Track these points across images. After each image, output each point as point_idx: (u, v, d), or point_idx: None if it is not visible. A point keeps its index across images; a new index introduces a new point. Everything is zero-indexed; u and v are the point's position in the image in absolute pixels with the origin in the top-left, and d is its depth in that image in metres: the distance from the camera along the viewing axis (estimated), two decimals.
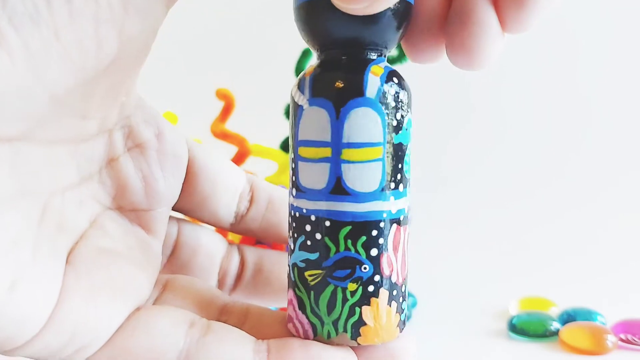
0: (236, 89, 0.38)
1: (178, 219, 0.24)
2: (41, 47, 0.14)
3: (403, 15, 0.18)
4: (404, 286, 0.20)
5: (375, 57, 0.19)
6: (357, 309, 0.19)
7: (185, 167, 0.22)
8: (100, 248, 0.19)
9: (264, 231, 0.24)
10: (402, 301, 0.20)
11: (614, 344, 0.34)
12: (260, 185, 0.24)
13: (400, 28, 0.19)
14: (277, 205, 0.24)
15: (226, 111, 0.38)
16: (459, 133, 0.69)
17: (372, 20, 0.18)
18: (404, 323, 0.20)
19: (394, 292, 0.19)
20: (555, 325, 0.37)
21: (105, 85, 0.17)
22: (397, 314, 0.19)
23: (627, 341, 0.35)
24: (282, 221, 0.24)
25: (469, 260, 0.53)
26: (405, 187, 0.19)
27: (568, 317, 0.38)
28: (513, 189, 0.64)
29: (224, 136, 0.38)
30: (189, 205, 0.23)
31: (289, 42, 0.40)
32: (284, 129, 0.39)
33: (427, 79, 0.45)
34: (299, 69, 0.38)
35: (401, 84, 0.19)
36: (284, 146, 0.39)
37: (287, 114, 0.39)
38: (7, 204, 0.16)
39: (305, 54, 0.38)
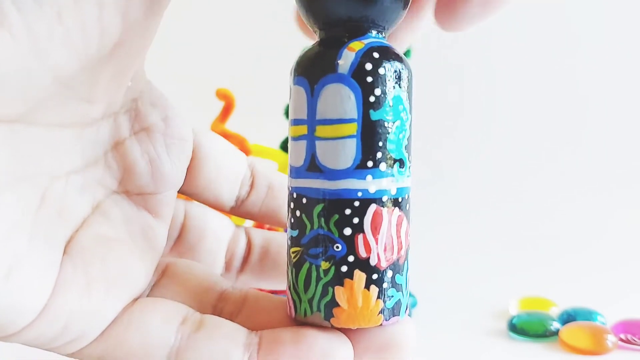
0: (236, 89, 0.38)
1: (185, 201, 0.24)
2: (44, 29, 0.14)
3: None
4: (392, 273, 0.19)
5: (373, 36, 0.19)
6: (330, 288, 0.19)
7: (191, 151, 0.22)
8: (100, 236, 0.19)
9: (263, 216, 0.24)
10: (389, 288, 0.19)
11: (614, 344, 0.34)
12: (261, 171, 0.24)
13: (402, 7, 0.19)
14: (277, 190, 0.24)
15: (226, 111, 0.38)
16: (458, 131, 0.69)
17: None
18: (392, 313, 0.19)
19: (374, 276, 0.19)
20: (555, 325, 0.37)
21: (110, 69, 0.17)
22: (379, 300, 0.19)
23: (627, 341, 0.35)
24: (282, 206, 0.24)
25: (469, 260, 0.53)
26: (390, 166, 0.18)
27: (568, 317, 0.38)
28: (513, 189, 0.64)
29: (224, 136, 0.38)
30: (192, 188, 0.23)
31: (289, 42, 0.40)
32: (284, 129, 0.39)
33: (427, 73, 0.45)
34: None
35: (383, 59, 0.18)
36: (284, 146, 0.40)
37: (287, 114, 0.39)
38: (5, 187, 0.15)
39: None
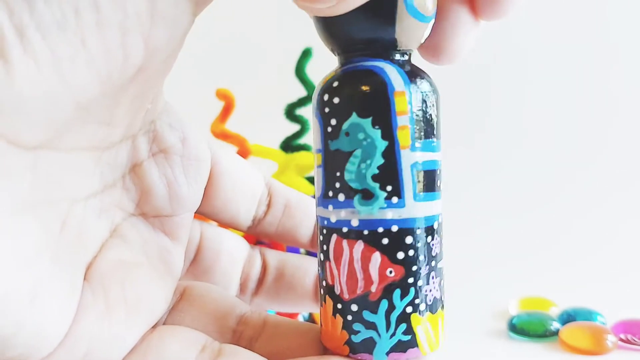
0: (236, 89, 0.38)
1: (201, 222, 0.24)
2: (68, 54, 0.14)
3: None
4: (357, 307, 0.18)
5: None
6: (320, 307, 0.20)
7: (208, 171, 0.22)
8: (119, 261, 0.19)
9: (280, 235, 0.24)
10: (354, 322, 0.18)
11: (614, 344, 0.34)
12: (278, 189, 0.24)
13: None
14: (294, 209, 0.24)
15: (226, 111, 0.37)
16: (454, 132, 0.69)
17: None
18: (363, 349, 0.18)
19: (338, 306, 0.18)
20: (555, 325, 0.37)
21: (131, 93, 0.17)
22: (344, 330, 0.18)
23: (627, 341, 0.35)
24: (298, 225, 0.24)
25: (469, 260, 0.52)
26: (349, 197, 0.18)
27: (568, 317, 0.38)
28: (513, 189, 0.64)
29: (224, 136, 0.38)
30: (209, 209, 0.23)
31: (289, 42, 0.40)
32: (284, 129, 0.39)
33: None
34: (299, 69, 0.38)
35: (341, 87, 0.18)
36: (284, 146, 0.40)
37: (287, 114, 0.39)
38: (29, 213, 0.15)
39: (306, 54, 0.38)
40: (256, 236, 0.24)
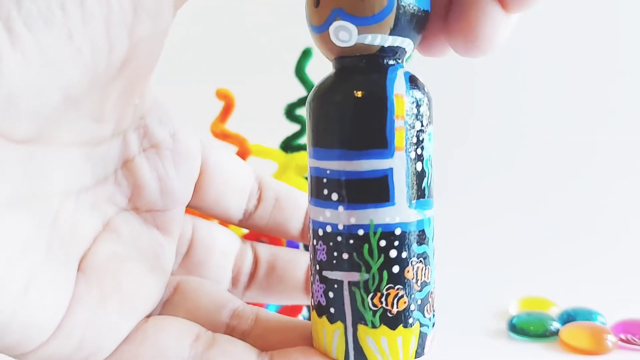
0: (236, 89, 0.38)
1: (192, 217, 0.24)
2: (54, 48, 0.14)
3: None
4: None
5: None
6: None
7: (199, 166, 0.22)
8: (112, 253, 0.19)
9: (271, 228, 0.24)
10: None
11: (614, 344, 0.34)
12: (268, 183, 0.24)
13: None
14: (284, 203, 0.24)
15: (226, 111, 0.38)
16: (456, 132, 0.69)
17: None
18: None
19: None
20: (555, 325, 0.37)
21: (118, 87, 0.17)
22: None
23: (627, 341, 0.35)
24: (288, 219, 0.24)
25: (469, 260, 0.52)
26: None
27: (568, 317, 0.38)
28: (513, 189, 0.64)
29: (224, 136, 0.38)
30: (200, 202, 0.23)
31: (289, 43, 0.40)
32: (284, 129, 0.39)
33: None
34: (299, 69, 0.38)
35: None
36: (284, 146, 0.40)
37: (287, 114, 0.39)
38: (20, 206, 0.16)
39: (306, 54, 0.38)
40: (248, 229, 0.25)
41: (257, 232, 0.25)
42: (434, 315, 0.19)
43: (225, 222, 0.24)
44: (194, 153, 0.22)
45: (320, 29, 0.18)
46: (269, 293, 0.24)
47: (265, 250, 0.25)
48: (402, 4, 0.17)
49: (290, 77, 0.38)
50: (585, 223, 0.59)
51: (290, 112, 0.39)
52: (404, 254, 0.18)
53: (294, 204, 0.24)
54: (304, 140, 0.39)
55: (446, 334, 0.38)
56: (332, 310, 0.19)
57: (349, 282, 0.18)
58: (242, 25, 0.67)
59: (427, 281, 0.19)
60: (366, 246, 0.18)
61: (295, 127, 0.39)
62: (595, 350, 0.34)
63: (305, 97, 0.38)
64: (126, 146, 0.20)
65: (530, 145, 0.67)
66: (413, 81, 0.18)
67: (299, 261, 0.24)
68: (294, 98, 0.38)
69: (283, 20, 0.61)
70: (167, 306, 0.21)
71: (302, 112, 0.39)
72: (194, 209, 0.23)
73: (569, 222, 0.59)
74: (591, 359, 0.34)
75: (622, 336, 0.35)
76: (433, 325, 0.19)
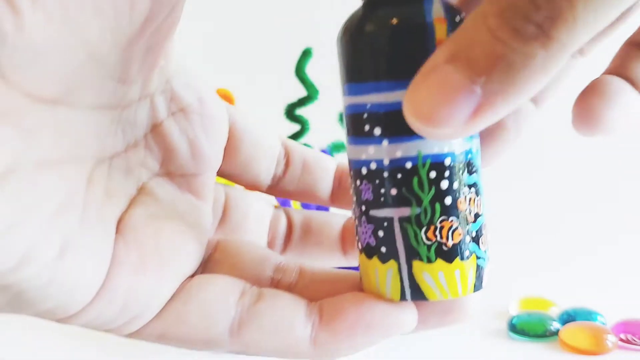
0: (236, 89, 0.38)
1: (224, 185, 0.24)
2: (75, 5, 0.14)
3: None
4: None
5: None
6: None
7: (227, 130, 0.22)
8: (150, 215, 0.19)
9: (300, 193, 0.24)
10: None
11: (614, 344, 0.34)
12: (295, 147, 0.24)
13: None
14: (312, 166, 0.24)
15: None
16: None
17: None
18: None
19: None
20: (555, 325, 0.37)
21: (142, 47, 0.17)
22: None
23: (627, 341, 0.35)
24: (317, 182, 0.24)
25: None
26: None
27: (568, 317, 0.38)
28: (513, 189, 0.64)
29: None
30: (231, 169, 0.23)
31: (290, 43, 0.40)
32: (284, 129, 0.39)
33: None
34: (299, 69, 0.38)
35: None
36: None
37: (287, 114, 0.39)
38: (53, 170, 0.15)
39: (306, 54, 0.38)
40: (277, 195, 0.24)
41: (286, 197, 0.25)
42: (488, 249, 0.19)
43: (254, 188, 0.24)
44: (221, 117, 0.22)
45: None
46: (305, 255, 0.24)
47: (298, 214, 0.24)
48: None
49: (290, 77, 0.38)
50: (586, 223, 0.59)
51: (290, 112, 0.39)
52: (456, 185, 0.17)
53: (321, 166, 0.24)
54: (304, 140, 0.39)
55: (446, 334, 0.38)
56: (383, 249, 0.18)
57: (400, 218, 0.17)
58: (243, 25, 0.67)
59: (480, 212, 0.18)
60: (415, 179, 0.17)
61: (296, 127, 0.39)
62: (595, 351, 0.34)
63: (306, 97, 0.38)
64: (154, 110, 0.20)
65: (530, 145, 0.67)
66: (450, 5, 0.17)
67: (332, 222, 0.24)
68: (294, 98, 0.38)
69: (283, 20, 0.61)
70: (209, 265, 0.21)
71: (302, 112, 0.39)
72: (224, 176, 0.23)
73: (569, 222, 0.59)
74: (591, 359, 0.34)
75: (622, 336, 0.35)
76: (488, 259, 0.19)
